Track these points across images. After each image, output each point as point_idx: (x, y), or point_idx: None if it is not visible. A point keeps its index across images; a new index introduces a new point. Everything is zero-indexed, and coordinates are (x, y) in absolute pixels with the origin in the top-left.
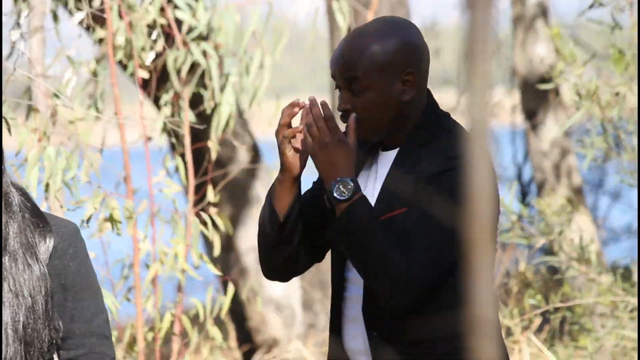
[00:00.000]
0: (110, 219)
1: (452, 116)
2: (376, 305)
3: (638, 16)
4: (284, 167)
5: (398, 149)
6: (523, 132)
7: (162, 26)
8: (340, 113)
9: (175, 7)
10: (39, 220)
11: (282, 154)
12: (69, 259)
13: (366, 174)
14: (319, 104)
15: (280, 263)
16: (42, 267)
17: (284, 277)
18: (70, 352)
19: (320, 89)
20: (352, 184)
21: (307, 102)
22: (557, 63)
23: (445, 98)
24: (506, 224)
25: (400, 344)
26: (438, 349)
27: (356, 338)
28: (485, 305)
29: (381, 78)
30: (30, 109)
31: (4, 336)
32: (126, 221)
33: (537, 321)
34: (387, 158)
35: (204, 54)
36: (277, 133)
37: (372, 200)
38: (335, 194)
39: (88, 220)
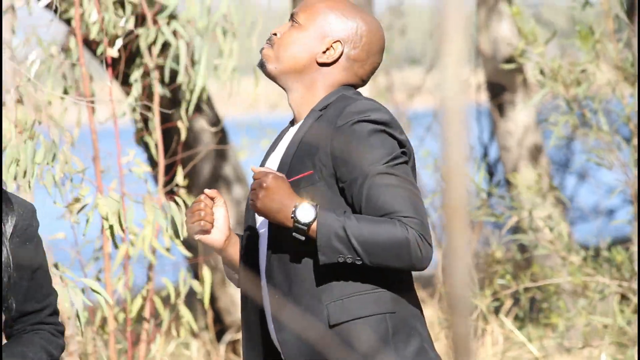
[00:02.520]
0: (77, 200)
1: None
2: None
3: (638, 15)
4: (215, 246)
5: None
6: (488, 112)
7: (133, 5)
8: (271, 35)
9: None
10: (5, 200)
11: (205, 242)
12: (25, 239)
13: (270, 151)
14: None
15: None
16: (5, 248)
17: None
18: (20, 327)
19: None
20: (304, 205)
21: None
22: (519, 42)
23: (412, 77)
24: (475, 202)
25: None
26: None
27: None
28: (461, 284)
29: (317, 27)
30: (8, 98)
31: None
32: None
33: (509, 302)
34: (291, 131)
35: (174, 33)
36: (190, 231)
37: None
38: (299, 221)
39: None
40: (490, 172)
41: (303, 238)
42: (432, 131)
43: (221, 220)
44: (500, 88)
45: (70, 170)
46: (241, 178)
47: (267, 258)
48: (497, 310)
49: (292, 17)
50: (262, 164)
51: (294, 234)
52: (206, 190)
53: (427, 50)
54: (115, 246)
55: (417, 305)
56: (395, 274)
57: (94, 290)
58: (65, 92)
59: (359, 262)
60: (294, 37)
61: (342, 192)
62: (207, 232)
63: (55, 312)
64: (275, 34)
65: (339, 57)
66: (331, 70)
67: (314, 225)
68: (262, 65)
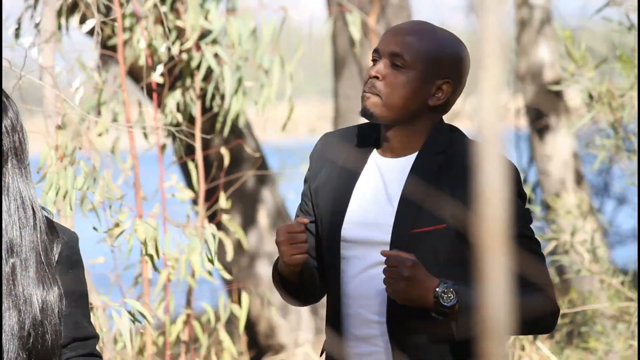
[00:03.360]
0: (117, 225)
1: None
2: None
3: (638, 16)
4: (292, 264)
5: (411, 156)
6: (527, 136)
7: (178, 29)
8: (370, 78)
9: (186, 11)
10: (51, 229)
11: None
12: (70, 266)
13: (368, 179)
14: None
15: (300, 303)
16: (54, 278)
17: (306, 305)
18: (71, 355)
19: (324, 93)
20: (446, 284)
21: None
22: (565, 66)
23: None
24: None
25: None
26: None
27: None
28: (497, 307)
29: (424, 68)
30: (50, 123)
31: (7, 344)
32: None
33: None
34: (392, 164)
35: (216, 58)
36: (288, 254)
37: (390, 208)
38: (444, 302)
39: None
40: (530, 197)
41: (442, 318)
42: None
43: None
44: (540, 113)
45: (110, 197)
46: (280, 204)
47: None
48: (535, 336)
49: (392, 57)
50: (342, 186)
51: (433, 314)
52: (300, 219)
53: (470, 75)
54: (156, 269)
55: None
56: None
57: (140, 314)
58: (115, 119)
59: None
60: (402, 81)
61: (467, 243)
62: (304, 256)
63: (97, 339)
64: (376, 77)
65: (449, 97)
66: (441, 110)
67: (456, 307)
68: (368, 115)
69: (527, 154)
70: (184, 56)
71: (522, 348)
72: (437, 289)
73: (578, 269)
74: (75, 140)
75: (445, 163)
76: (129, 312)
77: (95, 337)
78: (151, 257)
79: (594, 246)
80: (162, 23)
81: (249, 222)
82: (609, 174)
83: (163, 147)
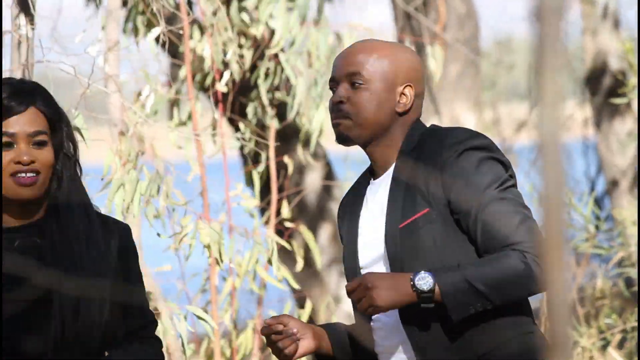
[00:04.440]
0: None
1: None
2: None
3: (638, 17)
4: (310, 352)
5: (393, 165)
6: (595, 146)
7: (253, 38)
8: (335, 104)
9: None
10: (105, 226)
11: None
12: (127, 257)
13: (367, 206)
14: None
15: None
16: (110, 270)
17: None
18: (130, 339)
19: None
20: (420, 274)
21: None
22: (629, 76)
23: (517, 112)
24: (581, 235)
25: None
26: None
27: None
28: (561, 319)
29: (383, 79)
30: (115, 132)
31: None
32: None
33: (616, 338)
34: (381, 181)
35: (292, 68)
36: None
37: (378, 219)
38: (421, 289)
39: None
40: (599, 206)
41: (432, 305)
42: (537, 166)
43: (303, 332)
44: (608, 122)
45: (172, 202)
46: None
47: (413, 340)
48: (604, 347)
49: (349, 78)
50: (351, 225)
51: (422, 305)
52: (267, 321)
53: (532, 85)
54: (223, 279)
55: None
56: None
57: (199, 318)
58: (183, 123)
59: (490, 307)
60: (366, 97)
61: (458, 223)
62: (294, 353)
63: (155, 324)
64: (341, 102)
65: (414, 99)
66: (409, 114)
67: (437, 289)
68: (343, 139)
69: (595, 163)
70: (260, 65)
71: (591, 358)
72: (412, 278)
73: None
74: (139, 146)
75: (418, 156)
76: (185, 317)
77: (153, 322)
78: (216, 260)
79: None
80: (234, 30)
81: (313, 231)
82: None
83: (243, 154)
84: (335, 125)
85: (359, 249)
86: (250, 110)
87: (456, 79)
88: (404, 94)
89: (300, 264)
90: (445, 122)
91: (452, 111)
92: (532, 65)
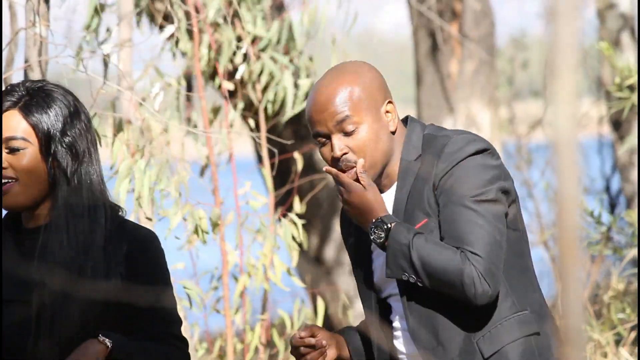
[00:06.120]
0: (196, 230)
1: (433, 125)
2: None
3: (638, 19)
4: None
5: (393, 186)
6: (610, 143)
7: (241, 39)
8: (337, 158)
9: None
10: (119, 231)
11: None
12: (133, 264)
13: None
14: (306, 333)
15: None
16: (116, 277)
17: None
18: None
19: (406, 101)
20: (383, 221)
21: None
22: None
23: (533, 109)
24: (595, 235)
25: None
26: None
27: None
28: (575, 315)
29: (368, 111)
30: (121, 122)
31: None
32: (213, 231)
33: (632, 335)
34: (389, 195)
35: (275, 63)
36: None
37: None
38: (374, 238)
39: (173, 230)
40: (612, 204)
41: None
42: (551, 164)
43: (330, 342)
44: (622, 119)
45: (175, 193)
46: None
47: (407, 322)
48: (617, 343)
49: (339, 128)
50: (357, 233)
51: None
52: (301, 333)
53: (547, 83)
54: (235, 278)
55: (554, 326)
56: (533, 296)
57: (186, 288)
58: (189, 121)
59: (420, 284)
60: (365, 138)
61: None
62: None
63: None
64: (345, 154)
65: (396, 111)
66: (399, 127)
67: (386, 243)
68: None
69: (610, 161)
70: (247, 65)
71: (605, 355)
72: (371, 223)
73: None
74: (146, 137)
75: (421, 164)
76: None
77: (177, 322)
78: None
79: None
80: (236, 27)
81: (328, 227)
82: None
83: (258, 152)
84: (353, 177)
85: (374, 269)
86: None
87: (471, 77)
88: (388, 112)
89: (295, 260)
90: (460, 121)
91: (468, 109)
92: (547, 63)
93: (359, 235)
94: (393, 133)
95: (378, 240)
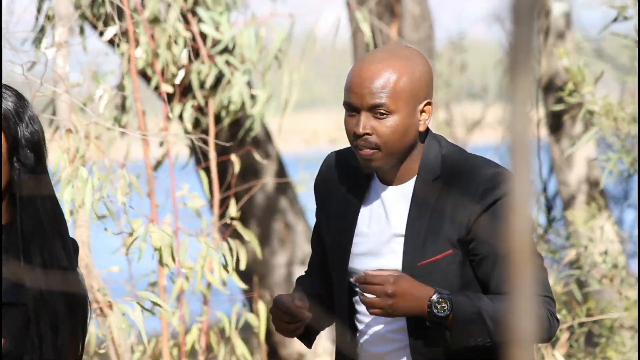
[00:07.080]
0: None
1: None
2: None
3: (638, 20)
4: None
5: (410, 182)
6: (547, 146)
7: (186, 40)
8: (359, 135)
9: (200, 21)
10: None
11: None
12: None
13: (371, 209)
14: (297, 303)
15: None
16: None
17: None
18: None
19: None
20: (440, 294)
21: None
22: (568, 82)
23: (471, 111)
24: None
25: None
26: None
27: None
28: (526, 317)
29: (406, 104)
30: (59, 128)
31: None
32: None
33: (565, 336)
34: (393, 193)
35: (229, 66)
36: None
37: (394, 237)
38: (437, 312)
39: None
40: (549, 206)
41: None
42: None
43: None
44: (560, 122)
45: (123, 202)
46: (299, 212)
47: (414, 352)
48: (553, 345)
49: (372, 108)
50: (345, 221)
51: (427, 322)
52: (297, 303)
53: (488, 85)
54: (172, 280)
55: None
56: None
57: (155, 304)
58: (120, 125)
59: (489, 344)
60: (392, 127)
61: (471, 263)
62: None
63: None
64: (368, 134)
65: (432, 113)
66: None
67: (450, 316)
68: (372, 169)
69: (547, 163)
70: (197, 66)
71: (542, 357)
72: (432, 298)
73: (598, 280)
74: (87, 143)
75: (442, 189)
76: (142, 307)
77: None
78: (167, 265)
79: (610, 257)
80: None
81: (266, 231)
82: (628, 184)
83: (196, 154)
84: (362, 156)
85: (353, 251)
86: (189, 109)
87: None
88: (424, 112)
89: (243, 264)
90: None
91: None
92: (503, 64)
93: (341, 211)
94: (420, 134)
95: (442, 314)
